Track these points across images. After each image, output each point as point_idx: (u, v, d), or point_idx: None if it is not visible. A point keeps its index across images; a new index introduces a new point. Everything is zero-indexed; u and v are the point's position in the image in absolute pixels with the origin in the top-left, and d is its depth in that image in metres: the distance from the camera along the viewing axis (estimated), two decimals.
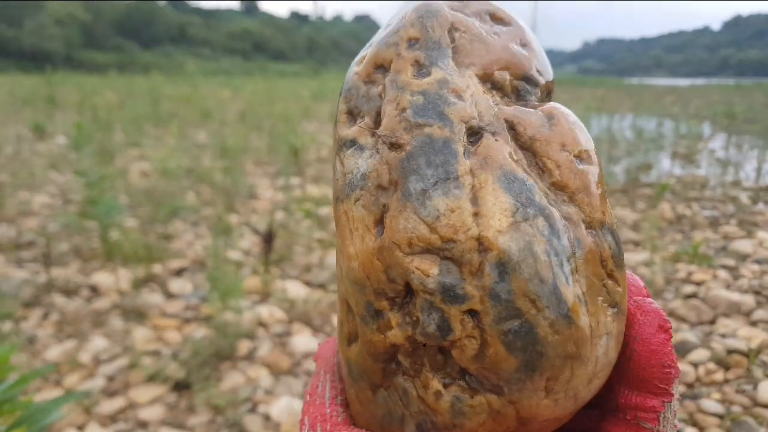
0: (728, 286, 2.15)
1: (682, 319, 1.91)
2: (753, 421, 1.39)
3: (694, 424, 1.40)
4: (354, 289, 0.27)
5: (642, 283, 0.27)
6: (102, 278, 2.18)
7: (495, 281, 0.23)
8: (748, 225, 2.98)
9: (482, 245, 0.23)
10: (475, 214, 0.23)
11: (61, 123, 6.16)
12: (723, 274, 2.28)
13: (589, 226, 0.25)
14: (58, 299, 2.02)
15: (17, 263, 2.35)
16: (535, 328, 0.22)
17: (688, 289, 2.13)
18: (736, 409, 1.45)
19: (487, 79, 0.28)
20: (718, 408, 1.45)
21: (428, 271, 0.23)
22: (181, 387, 1.53)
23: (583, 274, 0.24)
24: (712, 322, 1.90)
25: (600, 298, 0.24)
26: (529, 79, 0.29)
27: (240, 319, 1.82)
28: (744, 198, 3.59)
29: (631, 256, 2.47)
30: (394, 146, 0.26)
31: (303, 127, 6.22)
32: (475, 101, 0.26)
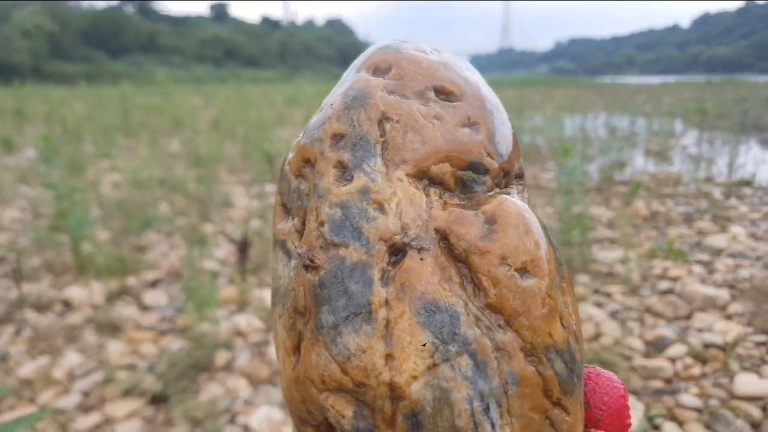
0: (703, 281, 2.18)
1: (658, 315, 1.93)
2: (730, 413, 1.40)
3: (672, 418, 1.41)
4: (288, 406, 0.26)
5: (621, 390, 0.26)
6: (75, 292, 2.14)
7: None
8: (721, 220, 3.03)
9: (394, 392, 0.21)
10: (388, 356, 0.21)
11: (29, 136, 6.05)
12: (698, 269, 2.31)
13: (529, 353, 0.22)
14: (31, 315, 1.97)
15: None
16: None
17: (664, 284, 2.15)
18: (713, 402, 1.46)
19: (422, 176, 0.25)
20: (696, 402, 1.46)
21: (343, 411, 0.22)
22: (158, 400, 1.50)
23: (518, 412, 0.21)
24: (689, 317, 1.92)
25: None
26: (476, 167, 0.26)
27: (217, 330, 1.80)
28: (717, 193, 3.64)
29: (607, 254, 2.49)
30: (310, 268, 0.24)
31: (277, 133, 6.19)
32: (401, 211, 0.24)
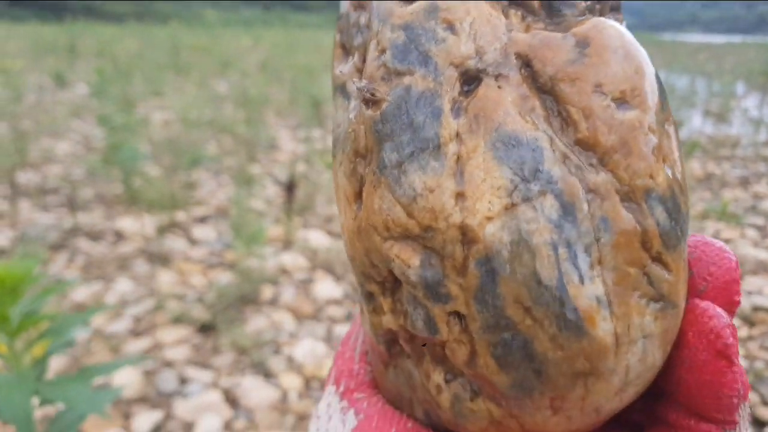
0: (756, 245, 2.13)
1: None
2: None
3: None
4: (350, 265, 0.23)
5: (732, 261, 0.20)
6: (126, 224, 2.20)
7: (481, 282, 0.18)
8: None
9: (466, 236, 0.18)
10: (459, 195, 0.18)
11: (82, 72, 6.16)
12: (751, 232, 2.24)
13: (626, 197, 0.19)
14: (84, 243, 2.04)
15: (43, 208, 2.37)
16: (531, 343, 0.18)
17: None
18: (759, 365, 1.44)
19: None
20: (742, 364, 1.44)
21: (409, 261, 0.19)
22: (206, 329, 1.55)
23: (611, 264, 0.18)
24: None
25: (636, 293, 0.18)
26: None
27: (264, 266, 1.83)
28: None
29: None
30: (370, 102, 0.20)
31: (324, 79, 6.17)
32: (475, 32, 0.20)
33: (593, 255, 0.18)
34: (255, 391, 1.33)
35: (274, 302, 1.69)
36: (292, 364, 1.42)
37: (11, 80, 4.54)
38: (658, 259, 0.19)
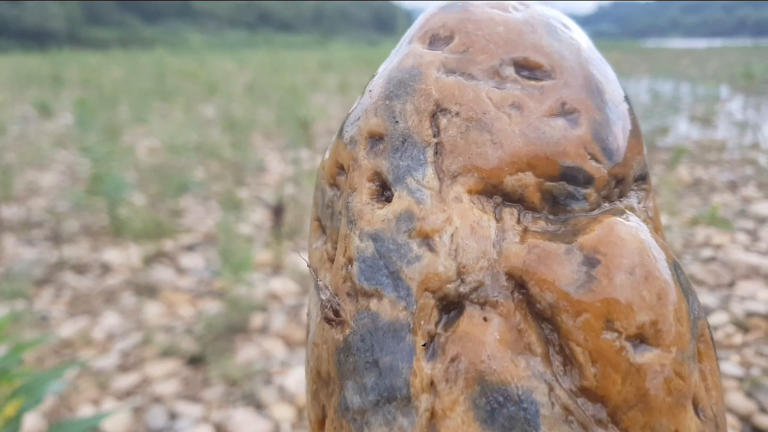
0: (747, 249, 2.12)
1: (700, 283, 1.88)
2: None
3: None
4: None
5: None
6: (113, 255, 2.18)
7: None
8: (767, 187, 2.93)
9: None
10: None
11: (66, 101, 6.14)
12: (742, 237, 2.24)
13: None
14: (70, 277, 2.01)
15: (28, 242, 2.35)
16: None
17: (707, 252, 2.10)
18: (755, 371, 1.43)
19: (492, 192, 0.19)
20: (738, 371, 1.43)
21: None
22: (195, 361, 1.52)
23: None
24: (731, 285, 1.87)
25: None
26: (573, 176, 0.19)
27: (253, 293, 1.81)
28: (763, 160, 3.53)
29: None
30: (334, 323, 0.18)
31: (311, 98, 6.17)
32: (457, 247, 0.17)
33: None
34: (246, 423, 1.31)
35: (264, 330, 1.67)
36: (284, 394, 1.39)
37: None
38: None
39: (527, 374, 0.16)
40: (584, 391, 0.16)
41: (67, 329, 1.68)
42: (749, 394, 1.34)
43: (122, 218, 2.36)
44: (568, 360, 0.16)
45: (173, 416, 1.35)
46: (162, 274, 2.02)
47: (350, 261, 0.18)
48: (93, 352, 1.57)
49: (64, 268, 2.09)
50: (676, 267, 0.17)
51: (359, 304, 0.17)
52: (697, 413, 0.16)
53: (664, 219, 2.40)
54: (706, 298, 1.76)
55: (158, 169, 3.18)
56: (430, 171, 0.19)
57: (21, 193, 2.97)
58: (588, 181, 0.19)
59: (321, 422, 0.19)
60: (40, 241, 2.36)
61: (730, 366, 1.44)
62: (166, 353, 1.55)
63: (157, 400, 1.39)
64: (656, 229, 0.20)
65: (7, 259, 2.16)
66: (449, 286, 0.17)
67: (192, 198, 2.91)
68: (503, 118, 0.19)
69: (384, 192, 0.19)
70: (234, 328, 1.65)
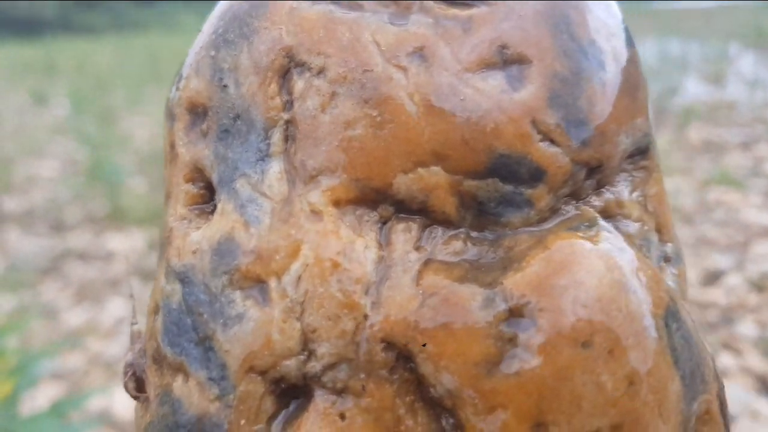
0: (760, 209, 2.10)
1: (713, 244, 1.86)
2: None
3: (729, 349, 1.37)
4: None
5: None
6: (116, 242, 2.17)
7: None
8: None
9: None
10: None
11: (61, 89, 6.11)
12: (754, 197, 2.22)
13: None
14: (75, 266, 2.00)
15: (31, 233, 2.33)
16: None
17: (719, 213, 2.08)
18: None
19: (376, 200, 0.12)
20: (754, 331, 1.42)
21: None
22: None
23: None
24: (745, 245, 1.85)
25: None
26: (508, 170, 0.12)
27: None
28: None
29: None
30: (138, 398, 0.13)
31: None
32: (305, 297, 0.11)
33: None
34: None
35: None
36: None
37: None
38: None
39: None
40: None
41: (74, 318, 1.68)
42: (765, 354, 1.34)
43: (124, 205, 2.34)
44: None
45: None
46: None
47: (156, 311, 0.13)
48: (101, 339, 1.57)
49: (69, 257, 2.07)
50: (669, 318, 0.12)
51: (164, 379, 0.12)
52: None
53: (676, 180, 2.37)
54: (719, 259, 1.74)
55: (156, 155, 3.16)
56: (274, 168, 0.12)
57: (21, 184, 2.95)
58: (536, 176, 0.12)
59: None
60: (43, 231, 2.34)
61: (746, 327, 1.43)
62: None
63: None
64: (659, 227, 0.14)
65: (10, 250, 2.15)
66: (287, 362, 0.11)
67: None
68: (396, 76, 0.12)
69: (204, 200, 0.13)
70: None
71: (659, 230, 0.14)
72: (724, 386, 0.12)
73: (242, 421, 0.11)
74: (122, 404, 1.32)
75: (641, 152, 0.16)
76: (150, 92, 5.66)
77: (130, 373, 0.13)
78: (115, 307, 1.72)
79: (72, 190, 2.71)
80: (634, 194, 0.14)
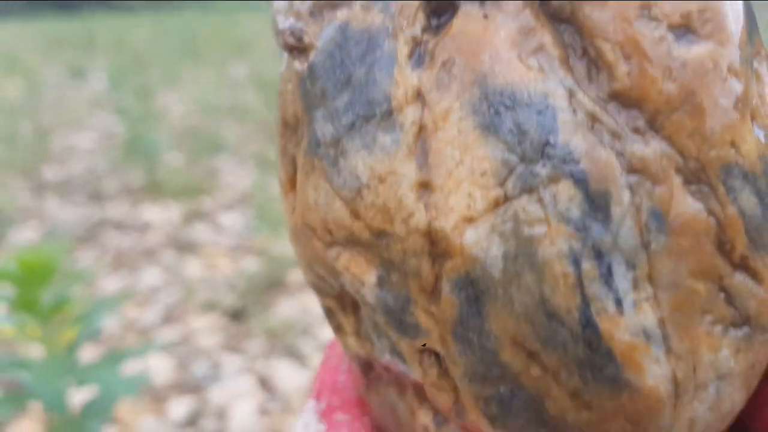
0: None
1: None
2: None
3: None
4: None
5: None
6: (152, 213, 2.22)
7: (461, 313, 0.12)
8: None
9: (436, 246, 0.12)
10: (423, 186, 0.12)
11: (100, 64, 6.20)
12: None
13: (693, 177, 0.12)
14: (111, 235, 2.06)
15: (69, 202, 2.40)
16: (541, 401, 0.12)
17: None
18: None
19: None
20: None
21: (362, 276, 0.13)
22: (236, 315, 1.56)
23: (668, 280, 0.12)
24: None
25: (707, 318, 0.12)
26: None
27: (290, 250, 1.83)
28: None
29: None
30: (296, 51, 0.14)
31: None
32: None
33: (639, 269, 0.12)
34: (288, 374, 1.34)
35: (302, 286, 1.70)
36: (322, 345, 1.42)
37: (30, 76, 4.59)
38: (742, 266, 0.12)
39: (542, 75, 0.12)
40: (615, 96, 0.12)
41: (111, 285, 1.73)
42: None
43: (160, 177, 2.40)
44: (594, 64, 0.12)
45: (216, 367, 1.39)
46: (201, 231, 2.06)
47: None
48: (136, 306, 1.62)
49: (106, 226, 2.14)
50: None
51: (324, 17, 0.13)
52: (756, 131, 0.13)
53: None
54: None
55: (193, 130, 3.22)
56: None
57: (60, 155, 3.03)
58: None
59: (292, 179, 0.16)
60: (81, 201, 2.41)
61: None
62: (208, 307, 1.59)
63: (201, 351, 1.44)
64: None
65: (50, 218, 2.22)
66: None
67: (227, 158, 2.94)
68: None
69: None
70: (273, 284, 1.68)
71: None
72: None
73: (403, 24, 0.13)
74: (156, 369, 1.37)
75: None
76: (186, 69, 5.73)
77: (288, 33, 0.14)
78: (150, 276, 1.77)
79: (109, 162, 2.78)
80: None
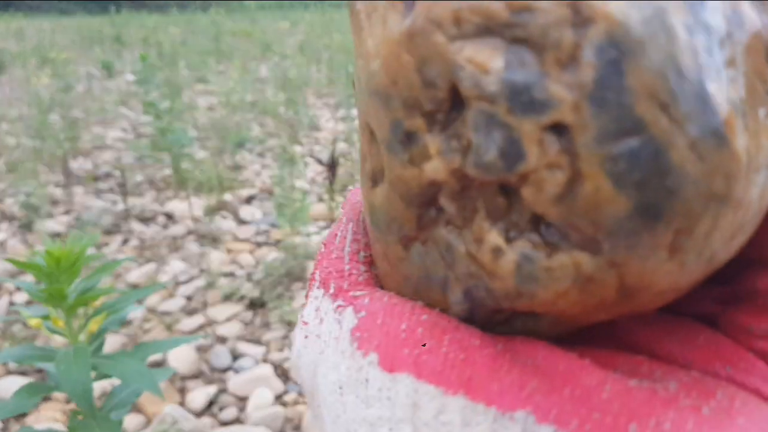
0: None
1: None
2: None
3: None
4: (376, 104, 0.17)
5: None
6: (176, 206, 2.27)
7: (600, 75, 0.13)
8: None
9: (579, 15, 0.13)
10: None
11: (128, 60, 6.29)
12: None
13: None
14: (136, 226, 2.11)
15: (96, 194, 2.46)
16: (666, 152, 0.13)
17: None
18: None
19: None
20: None
21: (487, 63, 0.13)
22: (255, 305, 1.59)
23: (742, 69, 0.13)
24: None
25: (763, 111, 0.14)
26: None
27: (308, 242, 1.86)
28: None
29: None
30: None
31: None
32: None
33: (727, 53, 0.13)
34: None
35: None
36: None
37: (61, 71, 4.68)
38: None
39: None
40: None
41: (135, 275, 1.77)
42: None
43: (185, 171, 2.44)
44: None
45: (236, 356, 1.42)
46: (223, 224, 2.10)
47: None
48: (159, 296, 1.66)
49: (131, 217, 2.18)
50: None
51: None
52: None
53: None
54: None
55: (217, 126, 3.26)
56: None
57: (88, 148, 3.09)
58: None
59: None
60: (107, 193, 2.46)
61: None
62: (229, 297, 1.62)
63: (221, 341, 1.47)
64: None
65: (77, 209, 2.27)
66: None
67: (249, 153, 2.98)
68: None
69: None
70: (291, 276, 1.71)
71: None
72: None
73: None
74: (176, 359, 1.40)
75: None
76: (212, 66, 5.79)
77: None
78: (174, 267, 1.81)
79: (136, 155, 2.83)
80: None
